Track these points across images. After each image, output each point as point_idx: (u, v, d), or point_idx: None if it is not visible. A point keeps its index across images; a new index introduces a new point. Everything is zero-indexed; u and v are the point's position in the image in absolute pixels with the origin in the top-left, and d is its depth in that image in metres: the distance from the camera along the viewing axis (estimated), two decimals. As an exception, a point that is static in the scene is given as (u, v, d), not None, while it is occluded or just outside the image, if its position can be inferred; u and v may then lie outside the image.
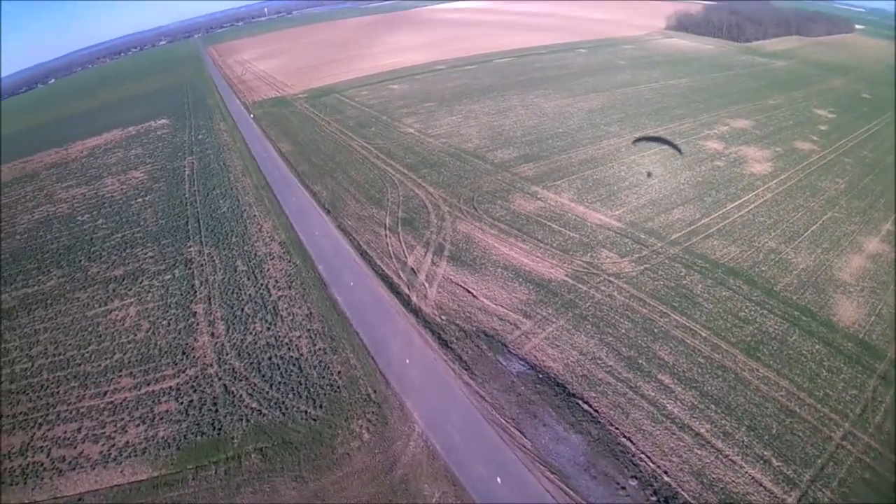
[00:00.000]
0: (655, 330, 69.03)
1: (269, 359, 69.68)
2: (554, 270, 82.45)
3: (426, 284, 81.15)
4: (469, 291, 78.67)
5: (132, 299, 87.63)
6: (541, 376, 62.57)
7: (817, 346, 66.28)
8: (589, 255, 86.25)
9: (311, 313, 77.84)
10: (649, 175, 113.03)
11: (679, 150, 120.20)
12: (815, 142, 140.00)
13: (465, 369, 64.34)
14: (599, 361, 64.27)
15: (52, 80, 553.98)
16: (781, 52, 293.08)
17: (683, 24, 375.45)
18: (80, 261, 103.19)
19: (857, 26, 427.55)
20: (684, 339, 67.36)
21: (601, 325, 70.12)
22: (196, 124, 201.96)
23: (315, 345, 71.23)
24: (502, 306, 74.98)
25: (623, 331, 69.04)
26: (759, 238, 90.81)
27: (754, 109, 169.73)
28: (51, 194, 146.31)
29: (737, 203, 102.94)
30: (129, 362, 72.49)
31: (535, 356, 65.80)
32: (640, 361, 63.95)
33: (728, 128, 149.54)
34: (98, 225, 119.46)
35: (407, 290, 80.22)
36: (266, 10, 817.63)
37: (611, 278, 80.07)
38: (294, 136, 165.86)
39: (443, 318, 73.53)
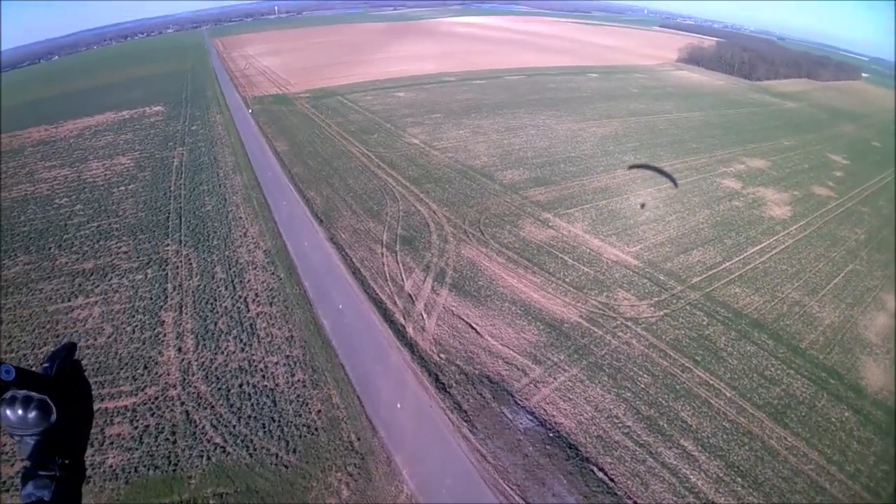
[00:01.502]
0: (677, 386, 61.44)
1: (240, 386, 61.21)
2: (567, 310, 74.34)
3: (424, 315, 72.55)
4: (472, 327, 70.26)
5: (98, 298, 79.49)
6: (551, 435, 54.49)
7: (846, 414, 59.68)
8: (605, 294, 78.51)
9: (292, 337, 69.22)
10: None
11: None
12: (832, 188, 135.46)
13: (465, 421, 55.95)
14: (616, 420, 56.39)
15: (56, 58, 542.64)
16: (792, 93, 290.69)
17: (695, 58, 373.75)
18: (51, 248, 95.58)
19: (863, 74, 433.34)
20: (708, 398, 59.93)
21: (618, 378, 62.28)
22: (191, 114, 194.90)
23: (294, 375, 62.73)
24: (509, 347, 66.68)
25: (642, 385, 61.29)
26: (783, 288, 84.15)
27: (769, 150, 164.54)
28: (32, 173, 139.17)
29: (758, 248, 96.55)
30: (85, 370, 61.55)
31: (544, 410, 57.72)
32: (660, 423, 56.20)
33: (744, 167, 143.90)
34: (75, 211, 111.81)
35: (402, 320, 71.58)
36: (276, 8, 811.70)
37: (628, 323, 72.23)
38: (291, 136, 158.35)
39: (441, 356, 65.10)
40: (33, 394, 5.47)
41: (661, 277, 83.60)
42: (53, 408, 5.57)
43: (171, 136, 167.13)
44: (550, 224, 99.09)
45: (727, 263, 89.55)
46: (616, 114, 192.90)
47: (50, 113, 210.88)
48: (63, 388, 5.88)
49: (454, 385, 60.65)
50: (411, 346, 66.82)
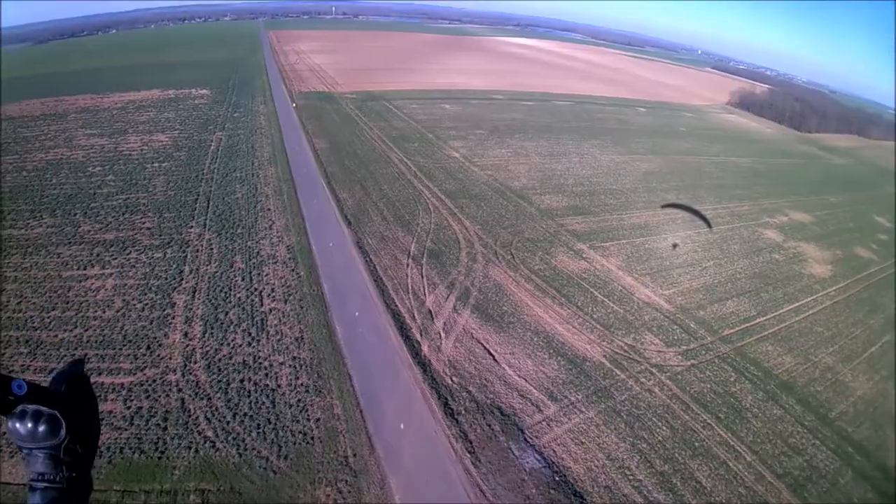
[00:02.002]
0: (696, 444, 57.04)
1: (241, 381, 58.65)
2: (591, 347, 70.52)
3: (442, 334, 69.31)
4: (490, 353, 66.83)
5: (113, 270, 78.54)
6: (557, 479, 50.64)
7: (869, 495, 54.84)
8: (632, 336, 74.29)
9: (302, 338, 66.45)
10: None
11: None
12: (875, 251, 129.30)
13: (470, 452, 52.47)
14: (628, 472, 52.27)
15: (114, 31, 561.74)
16: (841, 148, 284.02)
17: (745, 103, 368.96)
18: (76, 214, 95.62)
19: None
20: (727, 460, 55.38)
21: (635, 427, 58.09)
22: (235, 101, 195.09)
23: (298, 378, 59.88)
24: (526, 379, 63.06)
25: (660, 438, 57.04)
26: (816, 351, 78.98)
27: (815, 204, 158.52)
28: (71, 138, 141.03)
29: (795, 305, 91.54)
30: (88, 341, 63.22)
31: (554, 451, 53.88)
32: (674, 481, 51.92)
33: (787, 219, 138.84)
34: (106, 181, 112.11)
35: (419, 337, 68.38)
36: (334, 8, 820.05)
37: (653, 369, 68.03)
38: (332, 135, 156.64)
39: (454, 380, 61.76)
40: (44, 408, 5.39)
41: (692, 325, 79.27)
42: (63, 423, 5.48)
43: (212, 119, 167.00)
44: (584, 256, 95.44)
45: (761, 319, 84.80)
46: (662, 150, 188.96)
47: (98, 83, 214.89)
48: (72, 404, 5.71)
49: (463, 412, 57.31)
50: (424, 365, 63.59)
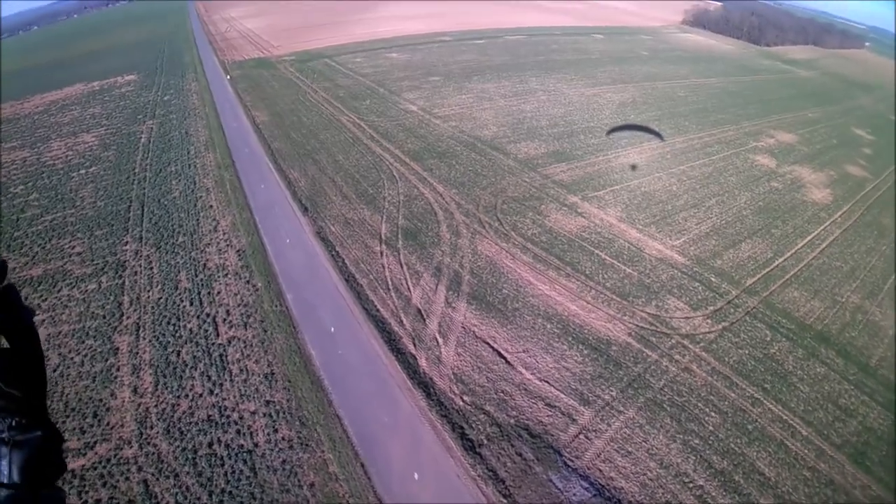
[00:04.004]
0: (749, 426, 49.29)
1: (210, 445, 47.43)
2: (612, 326, 60.44)
3: (439, 339, 57.70)
4: (501, 355, 55.74)
5: (45, 316, 66.66)
6: (612, 506, 40.93)
7: None
8: (654, 303, 64.82)
9: (272, 373, 54.64)
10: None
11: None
12: (865, 167, 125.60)
13: (505, 495, 42.39)
14: (686, 480, 44.08)
15: (35, 28, 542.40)
16: (802, 60, 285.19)
17: (701, 21, 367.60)
18: None
19: (866, 43, 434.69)
20: (784, 439, 48.30)
21: (682, 419, 49.35)
22: (165, 83, 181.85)
23: (276, 430, 48.55)
24: (549, 382, 52.56)
25: (710, 428, 48.70)
26: (842, 290, 72.82)
27: (795, 122, 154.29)
28: None
29: (807, 240, 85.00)
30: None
31: (601, 471, 44.43)
32: (736, 478, 44.51)
33: (774, 141, 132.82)
34: (29, 201, 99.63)
35: (412, 347, 56.73)
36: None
37: (685, 341, 59.03)
38: (273, 104, 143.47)
39: (465, 399, 50.68)
40: None
41: (713, 279, 70.90)
42: None
43: (141, 107, 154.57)
44: (579, 210, 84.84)
45: (780, 260, 77.91)
46: (630, 78, 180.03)
47: (19, 87, 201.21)
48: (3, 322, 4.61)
49: (485, 442, 46.74)
50: (426, 385, 52.27)
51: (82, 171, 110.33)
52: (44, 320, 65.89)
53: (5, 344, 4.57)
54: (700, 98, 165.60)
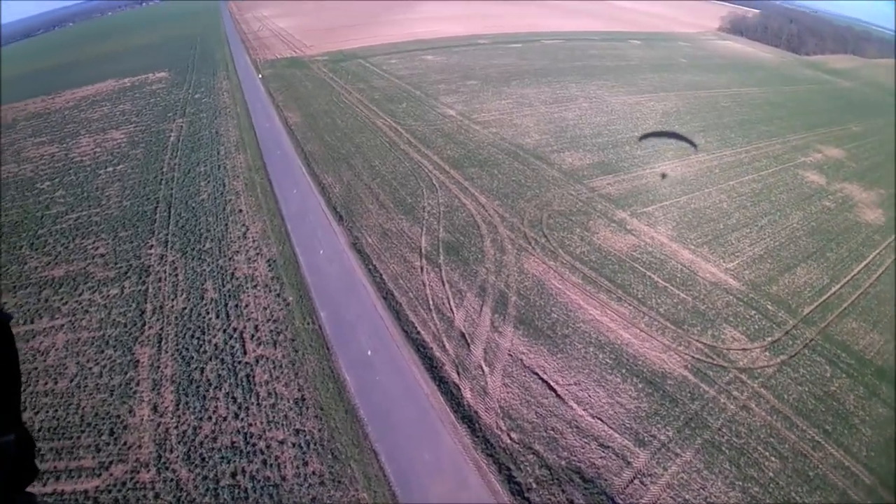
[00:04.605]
0: (810, 472, 44.98)
1: (233, 475, 43.59)
2: (667, 357, 55.74)
3: (485, 367, 53.17)
4: (550, 387, 51.19)
5: (64, 320, 64.00)
6: (673, 563, 36.41)
7: None
8: (709, 332, 59.96)
9: (303, 399, 50.49)
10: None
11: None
12: None
13: (557, 550, 37.39)
14: None
15: (70, 24, 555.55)
16: (843, 70, 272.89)
17: (738, 28, 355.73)
18: (22, 247, 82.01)
19: None
20: (846, 488, 44.00)
21: (742, 464, 44.97)
22: (196, 81, 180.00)
23: (306, 463, 44.50)
24: (602, 419, 48.08)
25: (770, 474, 44.43)
26: None
27: (841, 136, 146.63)
28: (19, 151, 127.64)
29: (863, 264, 79.16)
30: (40, 429, 49.89)
31: (660, 524, 39.70)
32: None
33: (822, 156, 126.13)
34: (55, 198, 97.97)
35: (456, 376, 52.23)
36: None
37: (743, 376, 54.33)
38: (306, 105, 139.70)
39: (513, 436, 46.23)
40: None
41: (770, 307, 65.86)
42: None
43: (171, 105, 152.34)
44: (628, 227, 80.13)
45: (836, 287, 72.53)
46: (671, 87, 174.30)
47: (51, 83, 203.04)
48: None
49: (534, 486, 42.44)
50: (471, 420, 47.82)
51: (109, 169, 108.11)
52: (63, 325, 63.12)
53: None
54: (744, 109, 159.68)
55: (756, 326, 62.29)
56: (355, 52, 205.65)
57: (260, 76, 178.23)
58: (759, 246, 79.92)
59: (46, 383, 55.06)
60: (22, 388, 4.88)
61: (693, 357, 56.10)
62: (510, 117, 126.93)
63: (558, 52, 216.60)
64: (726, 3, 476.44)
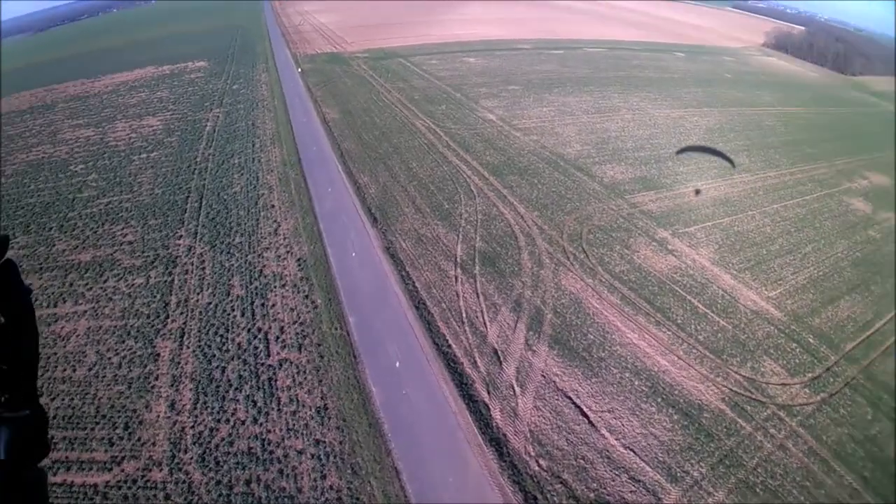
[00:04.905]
0: None
1: (248, 482, 41.91)
2: (704, 388, 52.99)
3: (516, 387, 50.85)
4: (583, 412, 48.80)
5: (87, 306, 63.40)
6: None
7: None
8: (749, 364, 57.03)
9: (325, 407, 48.60)
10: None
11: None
12: None
13: None
14: None
15: (115, 10, 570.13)
16: (888, 93, 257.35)
17: (783, 44, 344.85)
18: (51, 229, 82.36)
19: None
20: None
21: None
22: (235, 72, 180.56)
23: (324, 476, 42.65)
24: (634, 451, 45.68)
25: None
26: None
27: (889, 164, 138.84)
28: (56, 132, 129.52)
29: None
30: (55, 417, 49.25)
31: (686, 567, 37.19)
32: None
33: (868, 183, 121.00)
34: (88, 181, 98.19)
35: (486, 395, 49.95)
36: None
37: (781, 412, 51.37)
38: (344, 102, 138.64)
39: (542, 463, 44.00)
40: None
41: (811, 340, 62.60)
42: None
43: (209, 94, 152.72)
44: (669, 247, 77.31)
45: (880, 323, 68.51)
46: (715, 102, 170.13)
47: (91, 67, 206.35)
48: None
49: (562, 520, 39.43)
50: (499, 442, 45.59)
51: (143, 156, 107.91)
52: (86, 311, 62.53)
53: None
54: (789, 129, 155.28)
55: (797, 360, 59.49)
56: (395, 50, 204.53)
57: (300, 70, 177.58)
58: (803, 275, 76.81)
59: (65, 370, 54.11)
60: (39, 366, 4.66)
61: (731, 389, 53.50)
62: (551, 125, 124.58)
63: (601, 60, 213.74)
64: (763, 17, 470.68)
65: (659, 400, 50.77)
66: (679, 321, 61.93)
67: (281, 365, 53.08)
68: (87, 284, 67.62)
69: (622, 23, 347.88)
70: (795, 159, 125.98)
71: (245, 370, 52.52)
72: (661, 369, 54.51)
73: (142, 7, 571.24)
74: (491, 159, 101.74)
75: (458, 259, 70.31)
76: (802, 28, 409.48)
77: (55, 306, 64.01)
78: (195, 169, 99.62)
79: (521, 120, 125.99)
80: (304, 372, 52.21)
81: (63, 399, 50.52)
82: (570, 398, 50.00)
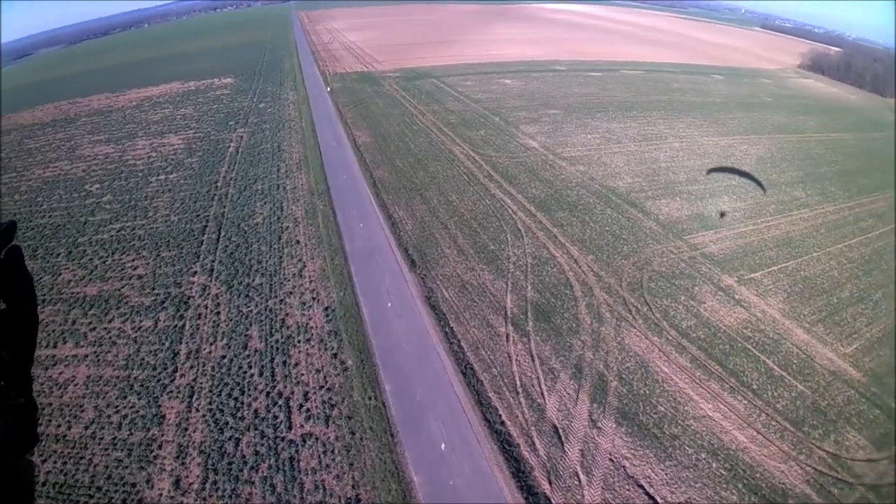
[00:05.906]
0: None
1: None
2: (787, 468, 45.93)
3: (581, 475, 43.29)
4: (658, 506, 41.16)
5: (89, 350, 57.96)
6: None
7: None
8: (832, 437, 49.88)
9: (357, 499, 41.26)
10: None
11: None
12: None
13: None
14: None
15: (146, 25, 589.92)
16: None
17: (819, 66, 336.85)
18: (59, 254, 78.22)
19: None
20: None
21: None
22: (262, 90, 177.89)
23: None
24: (718, 554, 38.22)
25: None
26: None
27: None
28: (74, 148, 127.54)
29: None
30: (45, 483, 43.36)
31: None
32: None
33: None
34: (102, 203, 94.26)
35: (547, 485, 42.31)
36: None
37: (870, 495, 44.45)
38: (376, 125, 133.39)
39: (614, 575, 36.37)
40: None
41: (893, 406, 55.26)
42: None
43: (234, 113, 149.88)
44: (737, 297, 69.71)
45: None
46: (761, 128, 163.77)
47: (117, 81, 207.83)
48: (2, 282, 4.66)
49: None
50: (562, 546, 37.84)
51: (162, 177, 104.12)
52: (87, 356, 57.76)
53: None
54: (839, 157, 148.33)
55: (882, 430, 52.33)
56: (428, 70, 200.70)
57: (329, 89, 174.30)
58: (877, 326, 69.33)
59: (59, 426, 48.94)
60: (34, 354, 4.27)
61: (815, 469, 46.52)
62: (598, 154, 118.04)
63: (640, 83, 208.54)
64: (790, 37, 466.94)
65: (740, 486, 43.96)
66: (755, 387, 55.02)
67: (304, 441, 45.92)
68: (90, 323, 62.46)
69: (656, 44, 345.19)
70: (852, 192, 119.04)
71: (262, 445, 45.58)
72: (740, 447, 47.56)
73: (174, 22, 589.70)
74: (537, 192, 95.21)
75: (509, 312, 62.91)
76: (839, 49, 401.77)
77: (55, 346, 59.17)
78: (215, 195, 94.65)
79: (566, 148, 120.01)
80: (332, 452, 44.80)
81: (55, 462, 44.94)
82: (642, 487, 42.93)
